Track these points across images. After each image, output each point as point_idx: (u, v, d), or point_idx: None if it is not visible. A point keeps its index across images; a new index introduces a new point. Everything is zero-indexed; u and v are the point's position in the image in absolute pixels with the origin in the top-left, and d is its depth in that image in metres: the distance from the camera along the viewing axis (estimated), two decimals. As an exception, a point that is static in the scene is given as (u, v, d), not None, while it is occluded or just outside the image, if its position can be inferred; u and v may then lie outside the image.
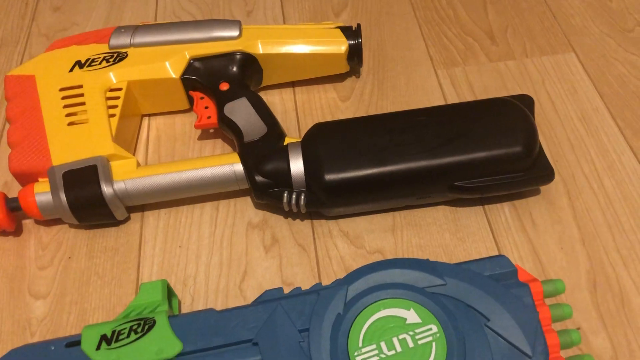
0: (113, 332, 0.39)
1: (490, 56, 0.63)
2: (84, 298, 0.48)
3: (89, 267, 0.50)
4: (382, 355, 0.37)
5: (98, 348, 0.38)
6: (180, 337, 0.38)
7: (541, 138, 0.55)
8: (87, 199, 0.48)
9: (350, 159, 0.48)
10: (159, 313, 0.40)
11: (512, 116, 0.49)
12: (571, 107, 0.58)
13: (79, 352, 0.38)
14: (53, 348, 0.39)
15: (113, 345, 0.38)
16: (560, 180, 0.52)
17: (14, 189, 0.55)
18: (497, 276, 0.40)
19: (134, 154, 0.57)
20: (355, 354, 0.37)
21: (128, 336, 0.38)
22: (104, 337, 0.38)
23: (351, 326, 0.38)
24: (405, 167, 0.47)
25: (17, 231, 0.52)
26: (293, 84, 0.62)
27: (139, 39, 0.57)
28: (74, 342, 0.39)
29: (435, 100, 0.59)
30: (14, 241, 0.52)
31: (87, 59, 0.56)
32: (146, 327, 0.39)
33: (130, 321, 0.39)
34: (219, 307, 0.46)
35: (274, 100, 0.60)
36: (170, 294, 0.45)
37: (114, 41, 0.57)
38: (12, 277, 0.49)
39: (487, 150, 0.47)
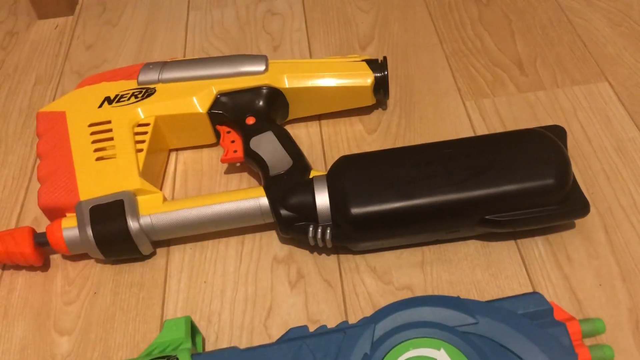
0: (135, 371, 0.38)
1: (520, 87, 0.62)
2: (108, 334, 0.47)
3: (114, 302, 0.49)
4: (412, 398, 0.36)
5: (119, 388, 0.37)
6: (202, 376, 0.37)
7: (575, 170, 0.54)
8: (113, 233, 0.48)
9: (377, 192, 0.47)
10: (182, 351, 0.39)
11: (543, 147, 0.47)
12: (605, 138, 0.56)
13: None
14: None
15: (134, 384, 0.37)
16: (596, 213, 0.51)
17: (43, 225, 0.55)
18: (532, 314, 0.39)
19: (161, 188, 0.57)
20: (383, 396, 0.36)
21: (150, 375, 0.38)
22: (125, 377, 0.38)
23: (379, 367, 0.37)
24: (434, 201, 0.46)
25: (45, 266, 0.52)
26: (319, 117, 0.61)
27: (167, 74, 0.57)
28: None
29: (464, 132, 0.58)
30: (41, 276, 0.52)
31: (116, 95, 0.57)
32: (168, 365, 0.38)
33: (153, 359, 0.39)
34: (243, 345, 0.45)
35: (300, 133, 0.60)
36: (194, 331, 0.44)
37: (143, 77, 0.58)
38: (38, 312, 0.49)
39: (517, 182, 0.46)
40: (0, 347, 0.47)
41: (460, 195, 0.46)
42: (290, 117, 0.60)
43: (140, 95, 0.57)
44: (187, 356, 0.39)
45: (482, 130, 0.58)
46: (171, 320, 0.42)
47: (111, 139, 0.54)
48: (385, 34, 0.70)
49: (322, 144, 0.59)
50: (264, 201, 0.49)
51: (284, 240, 0.52)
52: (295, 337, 0.39)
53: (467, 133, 0.58)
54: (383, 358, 0.37)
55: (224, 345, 0.46)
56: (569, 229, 0.50)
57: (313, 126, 0.61)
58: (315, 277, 0.49)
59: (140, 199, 0.50)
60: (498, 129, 0.58)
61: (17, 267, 0.52)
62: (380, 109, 0.61)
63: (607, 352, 0.38)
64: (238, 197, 0.49)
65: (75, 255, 0.52)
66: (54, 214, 0.51)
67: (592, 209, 0.51)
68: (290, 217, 0.48)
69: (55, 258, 0.53)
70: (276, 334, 0.46)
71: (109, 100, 0.57)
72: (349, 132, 0.60)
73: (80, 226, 0.49)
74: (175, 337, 0.41)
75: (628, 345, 0.43)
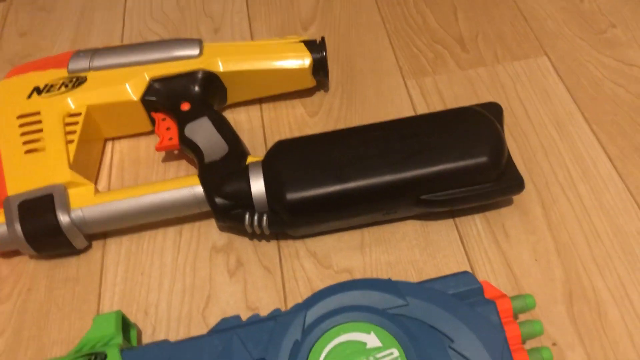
0: (61, 369, 0.37)
1: (461, 64, 0.61)
2: (42, 332, 0.46)
3: (48, 299, 0.48)
4: (343, 383, 0.36)
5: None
6: (129, 372, 0.37)
7: (514, 145, 0.54)
8: (43, 229, 0.47)
9: (312, 176, 0.46)
10: (111, 346, 0.38)
11: (477, 125, 0.47)
12: (544, 113, 0.56)
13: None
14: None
15: (60, 383, 0.36)
16: (533, 189, 0.51)
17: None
18: (462, 294, 0.39)
19: (96, 180, 0.55)
20: (315, 382, 0.36)
21: (76, 373, 0.37)
22: (50, 375, 0.37)
23: (309, 353, 0.37)
24: (369, 183, 0.46)
25: (-25, 265, 0.51)
26: (260, 101, 0.60)
27: (98, 62, 0.55)
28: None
29: (405, 111, 0.58)
30: (-28, 275, 0.50)
31: (46, 85, 0.55)
32: (95, 362, 0.37)
33: (82, 356, 0.38)
34: (180, 336, 0.45)
35: (241, 118, 0.59)
36: (127, 325, 0.43)
37: (73, 65, 0.56)
38: (-31, 312, 0.48)
39: (452, 161, 0.45)
40: None
41: (395, 176, 0.45)
42: (228, 101, 0.59)
43: (70, 85, 0.55)
44: (116, 352, 0.38)
45: (422, 109, 0.58)
46: (101, 316, 0.41)
47: (40, 130, 0.52)
48: (327, 14, 0.68)
49: (264, 129, 0.58)
50: (198, 190, 0.48)
51: (223, 229, 0.51)
52: (227, 327, 0.39)
53: (409, 113, 0.58)
54: (314, 345, 0.37)
55: (161, 337, 0.45)
56: (507, 206, 0.50)
57: (254, 110, 0.60)
58: (255, 264, 0.48)
59: (71, 191, 0.49)
60: (438, 107, 0.58)
61: (-53, 267, 0.51)
62: (321, 91, 0.61)
63: (536, 327, 0.38)
64: (172, 187, 0.48)
65: (7, 251, 0.50)
66: (-19, 210, 0.49)
67: (529, 184, 0.51)
68: (226, 205, 0.47)
69: (-13, 256, 0.51)
70: (214, 323, 0.45)
71: (38, 90, 0.55)
72: (291, 115, 0.59)
73: (9, 222, 0.47)
74: (105, 332, 0.40)
75: (561, 318, 0.43)
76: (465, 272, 0.39)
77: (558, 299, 0.44)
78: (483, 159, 0.45)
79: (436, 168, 0.45)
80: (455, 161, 0.45)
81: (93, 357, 0.37)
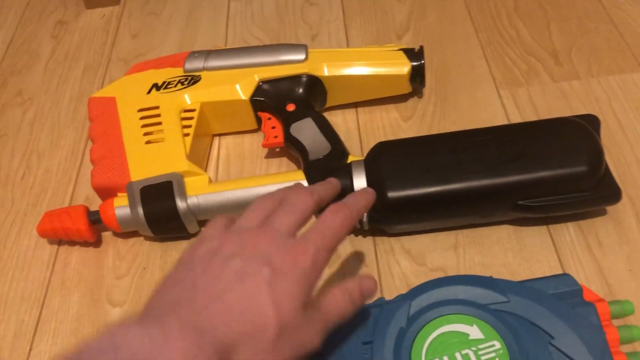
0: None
1: (554, 76, 0.63)
2: (157, 307, 0.50)
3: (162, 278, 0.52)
4: (445, 370, 0.38)
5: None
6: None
7: (608, 159, 0.54)
8: (162, 212, 0.51)
9: (413, 176, 0.49)
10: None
11: (576, 135, 0.49)
12: (640, 127, 0.57)
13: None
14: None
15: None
16: (628, 201, 0.52)
17: (94, 204, 0.59)
18: (562, 295, 0.40)
19: (205, 171, 0.60)
20: (418, 368, 0.38)
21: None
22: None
23: (414, 340, 0.39)
24: (468, 186, 0.48)
25: (97, 242, 0.56)
26: (356, 105, 0.63)
27: (212, 62, 0.60)
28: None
29: (498, 120, 0.59)
30: (93, 252, 0.55)
31: (164, 82, 0.60)
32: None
33: None
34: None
35: (337, 120, 0.62)
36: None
37: (189, 65, 0.60)
38: (92, 285, 0.53)
39: (551, 169, 0.47)
40: (59, 316, 0.51)
41: (494, 181, 0.47)
42: (328, 104, 0.62)
43: (186, 82, 0.59)
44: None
45: (516, 119, 0.59)
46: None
47: (159, 123, 0.57)
48: (421, 24, 0.71)
49: (359, 131, 0.61)
50: (303, 183, 0.51)
51: (322, 222, 0.54)
52: (333, 311, 0.42)
53: (501, 122, 0.59)
54: (418, 332, 0.39)
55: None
56: (601, 216, 0.51)
57: (350, 113, 0.63)
58: (352, 257, 0.51)
59: (187, 180, 0.53)
60: (532, 118, 0.59)
61: (72, 243, 0.56)
62: (416, 97, 0.63)
63: (634, 333, 0.39)
64: (279, 180, 0.52)
65: (125, 232, 0.55)
66: (106, 193, 0.54)
67: (624, 196, 0.52)
68: (329, 200, 0.50)
69: (107, 235, 0.56)
70: (315, 309, 0.48)
71: (156, 86, 0.60)
72: (385, 119, 0.62)
73: (132, 205, 0.52)
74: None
75: (656, 328, 0.44)
76: (565, 274, 0.41)
77: (653, 309, 0.45)
78: (582, 168, 0.47)
79: (535, 174, 0.47)
80: (554, 169, 0.47)
81: None
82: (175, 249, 0.54)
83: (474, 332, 0.39)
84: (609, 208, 0.51)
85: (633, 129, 0.57)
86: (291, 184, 0.51)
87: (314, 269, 0.35)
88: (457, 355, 0.38)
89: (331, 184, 0.43)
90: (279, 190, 0.41)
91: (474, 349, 0.38)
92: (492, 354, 0.38)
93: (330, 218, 0.38)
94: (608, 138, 0.56)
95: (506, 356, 0.38)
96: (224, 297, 0.32)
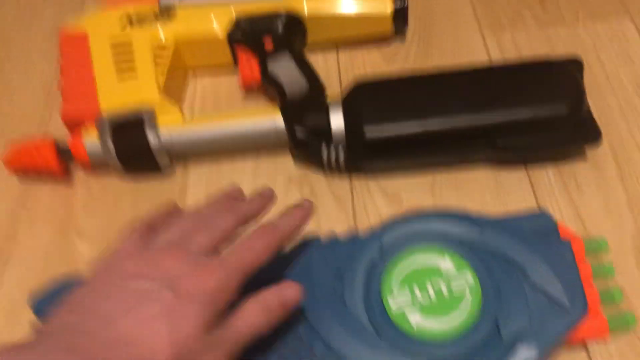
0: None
1: (540, 22, 0.61)
2: (127, 243, 0.49)
3: (134, 215, 0.51)
4: (416, 302, 0.37)
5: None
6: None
7: (591, 105, 0.54)
8: (133, 147, 0.50)
9: (392, 114, 0.47)
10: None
11: (558, 75, 0.48)
12: (625, 75, 0.56)
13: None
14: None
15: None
16: (608, 145, 0.51)
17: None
18: (537, 231, 0.40)
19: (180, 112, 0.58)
20: (389, 299, 0.38)
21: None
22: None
23: (385, 272, 0.39)
24: (447, 125, 0.47)
25: (67, 179, 0.54)
26: (337, 45, 0.62)
27: (188, -3, 0.58)
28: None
29: (482, 64, 0.58)
30: (63, 189, 0.54)
31: (138, 17, 0.58)
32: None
33: None
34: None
35: (317, 60, 0.61)
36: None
37: (164, 0, 0.58)
38: (61, 222, 0.52)
39: (531, 108, 0.46)
40: (28, 252, 0.50)
41: (474, 119, 0.47)
42: (308, 44, 0.60)
43: (161, 18, 0.57)
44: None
45: (499, 64, 0.58)
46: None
47: (132, 58, 0.55)
48: (407, -32, 0.69)
49: (339, 71, 0.60)
50: (280, 122, 0.50)
51: (298, 162, 0.53)
52: (308, 244, 0.41)
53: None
54: (390, 264, 0.39)
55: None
56: (580, 160, 0.50)
57: (330, 54, 0.61)
58: (328, 196, 0.50)
59: (160, 115, 0.51)
60: (515, 62, 0.58)
61: (41, 180, 0.54)
62: (398, 39, 0.61)
63: (607, 268, 0.39)
64: (255, 116, 0.51)
65: (96, 169, 0.54)
66: (76, 128, 0.53)
67: (604, 141, 0.51)
68: (305, 138, 0.49)
69: (77, 172, 0.55)
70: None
71: (130, 22, 0.57)
72: (367, 60, 0.60)
73: (102, 139, 0.50)
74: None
75: (629, 268, 0.44)
76: (541, 212, 0.40)
77: (628, 251, 0.45)
78: (562, 108, 0.46)
79: (515, 113, 0.46)
80: (535, 108, 0.46)
81: None
82: (147, 187, 0.53)
83: (447, 264, 0.38)
84: (589, 153, 0.51)
85: (617, 77, 0.56)
86: (266, 120, 0.50)
87: (223, 290, 0.33)
88: (429, 287, 0.38)
89: (263, 198, 0.41)
90: (205, 205, 0.40)
91: (446, 281, 0.38)
92: (464, 286, 0.37)
93: (254, 239, 0.36)
94: (591, 85, 0.55)
95: (478, 288, 0.37)
96: (117, 324, 0.30)
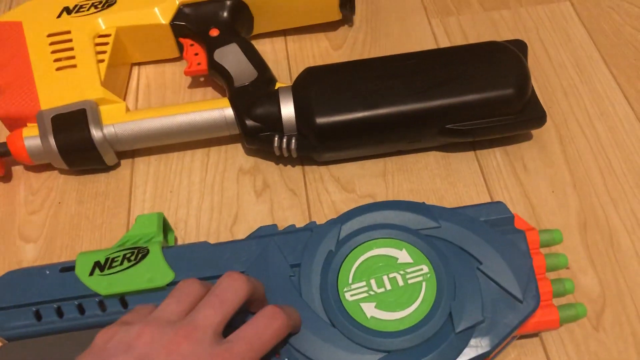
0: (107, 259, 0.39)
1: (485, 5, 0.62)
2: (74, 242, 0.48)
3: (79, 212, 0.50)
4: (372, 292, 0.37)
5: (91, 274, 0.39)
6: (172, 267, 0.39)
7: (534, 86, 0.55)
8: (76, 142, 0.48)
9: (341, 102, 0.47)
10: (153, 243, 0.40)
11: (504, 59, 0.48)
12: (565, 56, 0.58)
13: (72, 277, 0.39)
14: (48, 272, 0.39)
15: (106, 271, 0.38)
16: (552, 125, 0.52)
17: (2, 136, 0.54)
18: (493, 222, 0.40)
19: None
20: (345, 289, 0.38)
21: (121, 264, 0.39)
22: (97, 264, 0.39)
23: (342, 263, 0.39)
24: (396, 110, 0.47)
25: (7, 177, 0.52)
26: (285, 33, 0.61)
27: (128, -17, 0.56)
28: (68, 268, 0.39)
29: (428, 48, 0.58)
30: (3, 187, 0.51)
31: (75, 5, 0.55)
32: (139, 255, 0.39)
33: (124, 249, 0.40)
34: (210, 250, 0.46)
35: (266, 49, 0.60)
36: (166, 227, 0.45)
37: (102, -14, 0.56)
38: (2, 221, 0.49)
39: (478, 92, 0.47)
40: (-36, 254, 0.48)
41: (422, 105, 0.47)
42: (255, 31, 0.59)
43: (100, 6, 0.55)
44: (158, 248, 0.39)
45: (446, 47, 0.58)
46: (143, 216, 0.43)
47: (71, 49, 0.52)
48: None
49: (288, 60, 0.59)
50: (229, 112, 0.49)
51: (249, 152, 0.52)
52: (264, 234, 0.41)
53: (432, 50, 0.58)
54: (346, 255, 0.39)
55: (191, 250, 0.47)
56: (526, 141, 0.51)
57: (279, 42, 0.60)
58: (281, 186, 0.50)
59: (102, 108, 0.49)
60: (462, 46, 0.58)
61: (-22, 179, 0.52)
62: (346, 26, 0.61)
63: (561, 260, 0.40)
64: (203, 108, 0.49)
65: (38, 165, 0.51)
66: (14, 124, 0.50)
67: (548, 121, 0.52)
68: (255, 128, 0.49)
69: (17, 169, 0.52)
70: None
71: (67, 10, 0.55)
72: (315, 47, 0.60)
73: (43, 135, 0.48)
74: (147, 231, 0.42)
75: (575, 244, 0.45)
76: (498, 202, 0.41)
77: (573, 228, 0.46)
78: (508, 91, 0.47)
79: (462, 98, 0.47)
80: (481, 92, 0.47)
81: (135, 252, 0.39)
82: (93, 182, 0.51)
83: (403, 256, 0.39)
84: (534, 133, 0.52)
85: (559, 57, 0.57)
86: (215, 110, 0.49)
87: None
88: (385, 278, 0.38)
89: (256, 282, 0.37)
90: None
91: (401, 272, 0.38)
92: (420, 278, 0.38)
93: (264, 325, 0.33)
94: (535, 66, 0.57)
95: (433, 280, 0.38)
96: None
